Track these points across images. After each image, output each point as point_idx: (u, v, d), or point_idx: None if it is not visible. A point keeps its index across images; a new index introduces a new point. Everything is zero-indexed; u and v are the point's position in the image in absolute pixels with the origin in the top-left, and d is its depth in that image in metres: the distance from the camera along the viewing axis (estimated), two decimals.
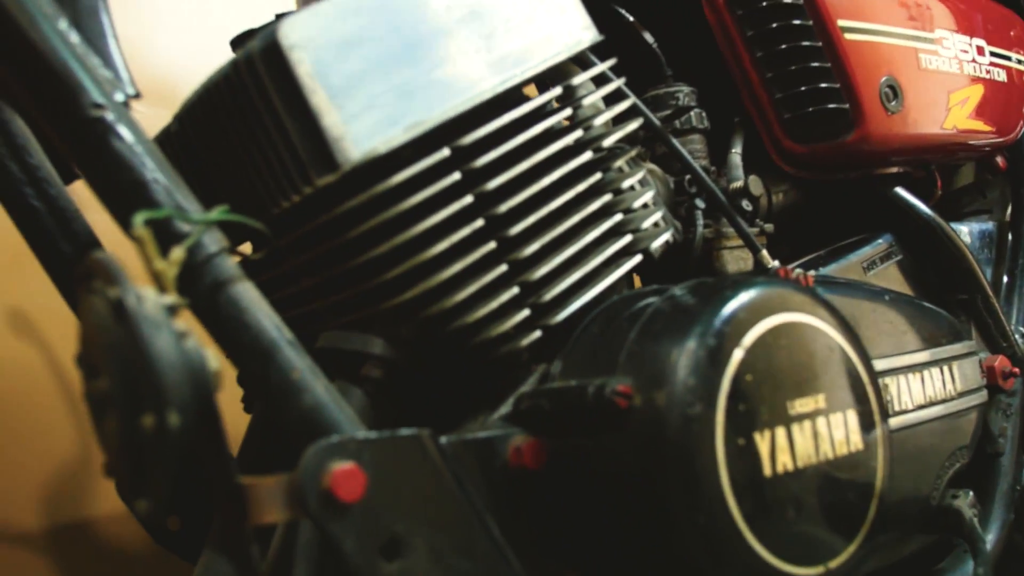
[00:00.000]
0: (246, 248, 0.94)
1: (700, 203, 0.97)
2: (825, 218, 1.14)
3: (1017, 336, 1.17)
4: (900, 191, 1.11)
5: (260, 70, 0.72)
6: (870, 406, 0.79)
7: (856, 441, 0.77)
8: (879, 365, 0.92)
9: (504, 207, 0.76)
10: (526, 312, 0.77)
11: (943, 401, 0.99)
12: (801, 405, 0.74)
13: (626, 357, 0.74)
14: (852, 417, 0.77)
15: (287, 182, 0.73)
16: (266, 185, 0.75)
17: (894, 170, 1.11)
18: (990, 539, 1.05)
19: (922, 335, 0.99)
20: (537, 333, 0.78)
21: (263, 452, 0.95)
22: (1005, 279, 1.26)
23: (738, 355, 0.71)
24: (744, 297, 0.74)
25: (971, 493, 1.00)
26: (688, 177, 0.98)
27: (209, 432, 0.63)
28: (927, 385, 0.97)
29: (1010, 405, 1.12)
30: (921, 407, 0.96)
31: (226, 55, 0.88)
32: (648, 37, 1.06)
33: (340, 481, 0.62)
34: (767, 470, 0.71)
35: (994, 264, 1.27)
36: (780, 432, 0.72)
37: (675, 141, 0.95)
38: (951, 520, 0.98)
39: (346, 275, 0.76)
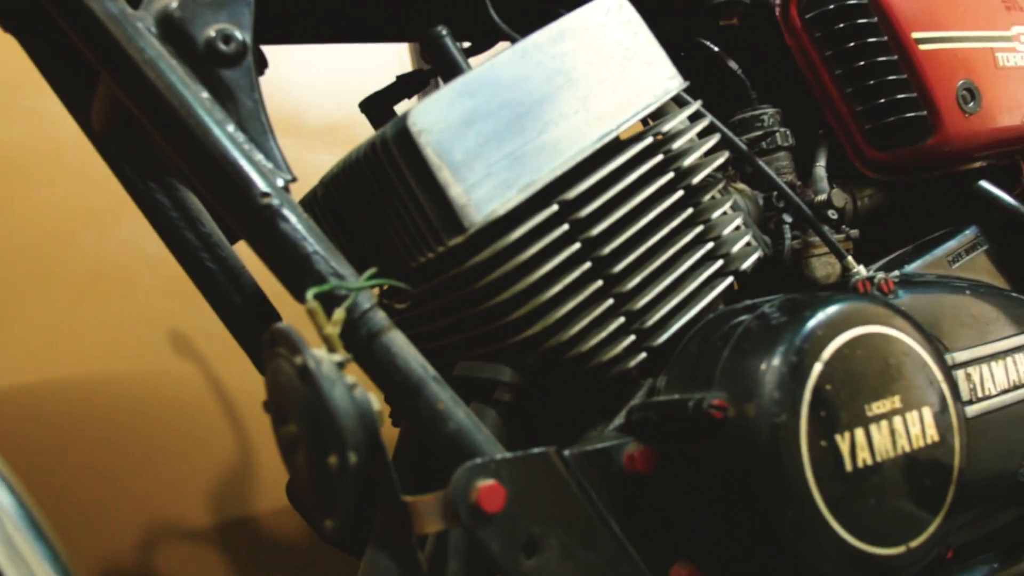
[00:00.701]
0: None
1: (787, 217, 1.10)
2: (912, 215, 1.25)
3: None
4: (984, 184, 1.21)
5: (394, 152, 0.88)
6: (945, 400, 0.92)
7: (932, 434, 0.90)
8: (961, 357, 1.04)
9: (607, 249, 0.91)
10: (632, 337, 0.92)
11: None
12: (878, 407, 0.87)
13: (720, 373, 0.88)
14: (927, 413, 0.90)
15: (422, 242, 0.89)
16: (404, 245, 0.92)
17: (976, 165, 1.21)
18: None
19: (1005, 323, 1.10)
20: (642, 355, 0.92)
21: (412, 460, 1.13)
22: None
23: (818, 368, 0.85)
24: (822, 316, 0.87)
25: None
26: (775, 193, 1.11)
27: (378, 461, 0.80)
28: (1011, 370, 1.08)
29: None
30: (1005, 391, 1.07)
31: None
32: (733, 65, 1.18)
33: (485, 496, 0.78)
34: (848, 466, 0.84)
35: None
36: (859, 432, 0.85)
37: (761, 162, 1.08)
38: None
39: (476, 316, 0.92)
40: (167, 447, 1.74)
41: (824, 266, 1.12)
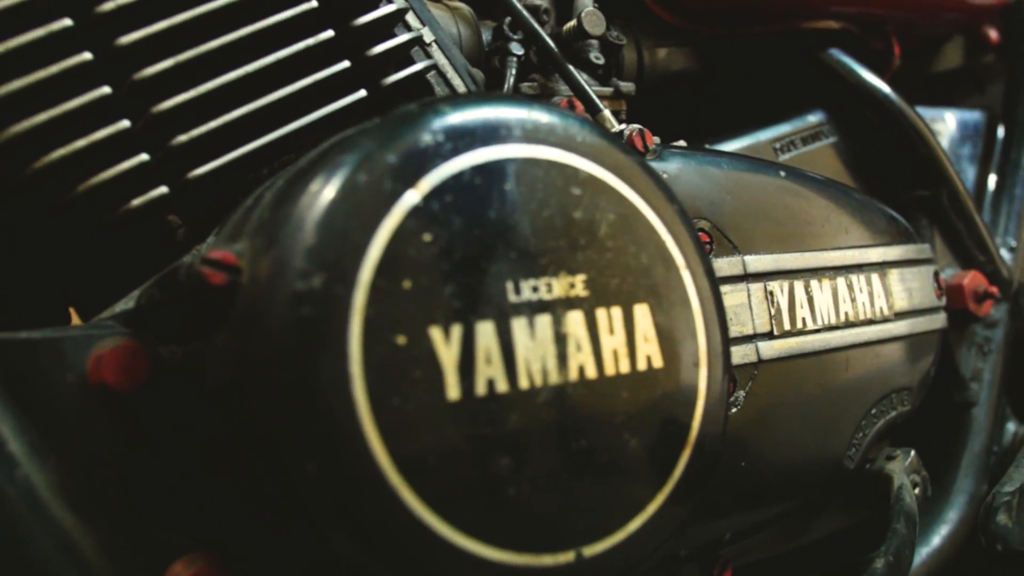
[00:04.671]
0: None
1: (516, 48, 0.64)
2: (750, 93, 0.78)
3: (1004, 251, 0.79)
4: (836, 53, 0.75)
5: None
6: (686, 305, 0.46)
7: (651, 355, 0.44)
8: (758, 263, 0.58)
9: (111, 4, 0.45)
10: (143, 157, 0.46)
11: (869, 322, 0.63)
12: (534, 288, 0.41)
13: (257, 216, 0.42)
14: (644, 317, 0.44)
15: None
16: None
17: (827, 25, 0.75)
18: (951, 517, 0.69)
19: (840, 229, 0.63)
20: (162, 189, 0.46)
21: None
22: (992, 180, 0.87)
23: (410, 200, 0.39)
24: (442, 115, 0.41)
25: (912, 453, 0.64)
26: (508, 20, 0.65)
27: None
28: (844, 297, 0.62)
29: (988, 340, 0.75)
30: (831, 328, 0.60)
31: None
32: None
33: None
34: (453, 391, 0.38)
35: (980, 162, 0.89)
36: (484, 329, 0.39)
37: None
38: (878, 488, 0.62)
39: None
40: None
41: None
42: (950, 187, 0.74)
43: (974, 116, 0.89)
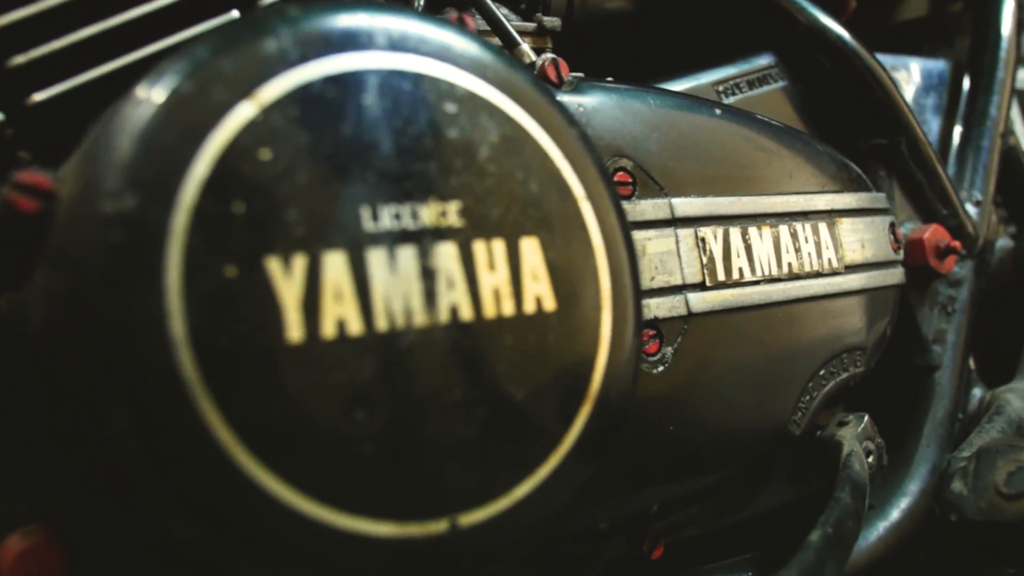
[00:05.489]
0: None
1: None
2: (693, 35, 0.73)
3: (970, 205, 0.74)
4: None
5: None
6: (586, 241, 0.40)
7: (541, 296, 0.38)
8: (688, 207, 0.52)
9: None
10: None
11: (816, 275, 0.57)
12: (396, 215, 0.35)
13: (86, 138, 0.36)
14: (532, 253, 0.38)
15: None
16: None
17: None
18: (912, 489, 0.63)
19: (783, 173, 0.58)
20: None
21: None
22: (958, 131, 0.82)
23: (244, 112, 0.33)
24: (292, 21, 0.36)
25: (866, 418, 0.58)
26: None
27: None
28: (786, 247, 0.56)
29: (953, 299, 0.69)
30: (772, 280, 0.55)
31: None
32: None
33: None
34: (294, 332, 0.33)
35: (945, 112, 0.83)
36: (334, 261, 0.34)
37: None
38: (828, 456, 0.56)
39: None
40: None
41: None
42: (910, 135, 0.68)
43: (939, 65, 0.83)
